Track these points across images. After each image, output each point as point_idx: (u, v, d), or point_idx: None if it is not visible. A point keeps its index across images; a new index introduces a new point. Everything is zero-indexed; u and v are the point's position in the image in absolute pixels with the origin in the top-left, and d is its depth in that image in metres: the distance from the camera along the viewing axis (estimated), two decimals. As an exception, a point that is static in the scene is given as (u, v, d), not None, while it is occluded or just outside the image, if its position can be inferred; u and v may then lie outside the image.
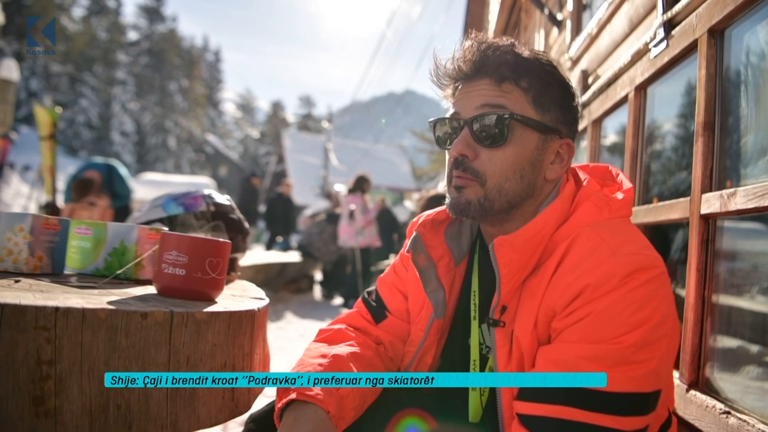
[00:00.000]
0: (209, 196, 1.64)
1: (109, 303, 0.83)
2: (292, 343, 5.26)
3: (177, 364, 0.85)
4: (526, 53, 1.05)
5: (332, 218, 8.79)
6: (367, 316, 1.26)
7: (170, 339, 0.84)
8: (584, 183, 1.06)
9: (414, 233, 1.14)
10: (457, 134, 1.05)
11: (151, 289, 1.07)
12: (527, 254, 0.96)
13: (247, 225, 1.74)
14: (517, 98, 1.02)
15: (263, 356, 1.13)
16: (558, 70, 1.08)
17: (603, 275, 0.88)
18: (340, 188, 11.00)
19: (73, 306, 0.76)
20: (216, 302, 1.03)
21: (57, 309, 0.74)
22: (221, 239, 1.06)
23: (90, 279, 1.14)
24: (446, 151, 1.10)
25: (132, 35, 49.81)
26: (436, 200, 3.74)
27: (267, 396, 3.16)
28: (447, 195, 1.08)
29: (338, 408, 0.96)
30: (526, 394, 0.91)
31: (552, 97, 1.05)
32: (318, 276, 9.63)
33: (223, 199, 1.68)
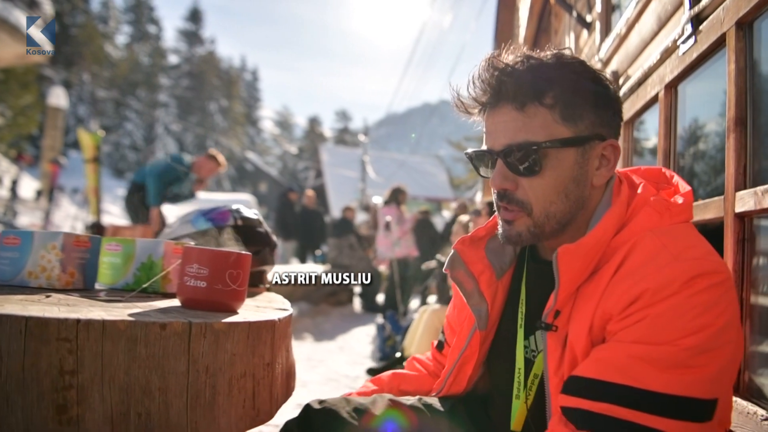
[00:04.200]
0: (237, 211, 1.67)
1: (130, 315, 0.86)
2: (332, 356, 5.29)
3: (196, 373, 0.86)
4: (546, 58, 1.01)
5: (346, 228, 8.86)
6: (434, 346, 1.43)
7: (189, 349, 0.86)
8: (640, 187, 1.04)
9: (452, 251, 1.17)
10: (493, 164, 1.04)
11: (176, 302, 1.10)
12: (588, 261, 0.96)
13: (275, 238, 1.77)
14: (543, 119, 0.99)
15: (287, 366, 1.14)
16: (585, 66, 1.03)
17: (664, 280, 0.86)
18: (378, 200, 11.04)
19: (93, 318, 0.79)
20: (237, 313, 1.05)
21: (78, 321, 0.77)
22: (242, 252, 1.08)
23: (119, 293, 1.18)
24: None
25: (173, 59, 51.41)
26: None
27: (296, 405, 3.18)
28: (499, 224, 1.09)
29: None
30: (572, 389, 0.90)
31: (583, 101, 1.00)
32: (357, 288, 9.67)
33: (251, 213, 1.71)
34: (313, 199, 11.30)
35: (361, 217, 11.89)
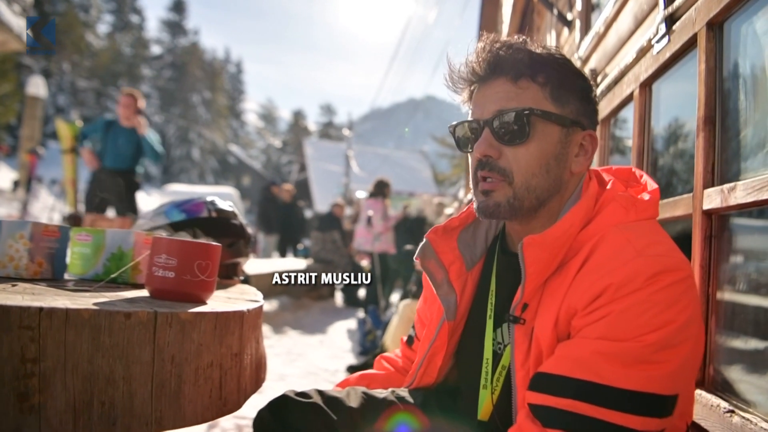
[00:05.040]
0: (211, 203, 1.67)
1: (95, 304, 0.86)
2: (312, 350, 5.29)
3: (161, 362, 0.87)
4: (539, 50, 1.06)
5: (331, 224, 8.86)
6: (404, 342, 1.43)
7: (154, 338, 0.86)
8: (609, 184, 1.06)
9: (424, 240, 1.17)
10: (478, 136, 1.05)
11: (144, 293, 1.10)
12: (554, 253, 0.97)
13: (249, 230, 1.77)
14: (534, 94, 1.03)
15: (256, 357, 1.14)
16: (572, 63, 1.09)
17: (627, 275, 0.88)
18: (362, 195, 11.02)
19: (57, 306, 0.79)
20: (206, 304, 1.05)
21: (41, 309, 0.77)
22: (211, 242, 1.08)
23: (88, 284, 1.17)
24: (468, 155, 1.12)
25: (155, 49, 50.81)
26: None
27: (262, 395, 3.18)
28: (474, 199, 1.09)
29: None
30: (538, 385, 0.92)
31: (569, 89, 1.05)
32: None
33: (226, 205, 1.71)
34: (291, 192, 11.26)
35: (347, 212, 11.89)
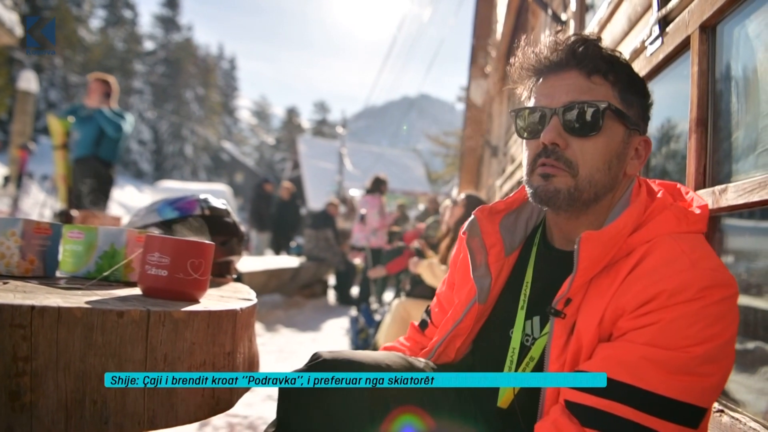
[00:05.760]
0: (204, 200, 1.66)
1: (87, 302, 0.86)
2: (305, 348, 5.29)
3: (154, 361, 0.86)
4: (609, 50, 1.08)
5: (325, 222, 8.85)
6: (416, 327, 1.42)
7: (147, 337, 0.86)
8: (659, 193, 1.08)
9: (472, 216, 1.18)
10: (544, 124, 1.06)
11: (137, 291, 1.09)
12: (606, 251, 0.98)
13: (244, 229, 1.77)
14: (606, 91, 1.06)
15: (249, 356, 1.14)
16: (634, 70, 1.11)
17: (680, 284, 0.89)
18: (355, 193, 11.00)
19: (49, 305, 0.78)
20: (199, 302, 1.05)
21: (33, 307, 0.77)
22: (205, 241, 1.08)
23: (80, 281, 1.17)
24: (524, 142, 1.13)
25: (148, 45, 50.43)
26: (477, 201, 3.80)
27: (266, 396, 3.19)
28: (528, 183, 1.10)
29: None
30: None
31: (634, 93, 1.08)
32: (332, 280, 9.67)
33: (219, 203, 1.70)
34: (290, 190, 11.24)
35: (341, 210, 11.90)
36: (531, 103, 1.11)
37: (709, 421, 1.32)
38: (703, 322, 0.87)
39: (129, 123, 5.64)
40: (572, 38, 1.07)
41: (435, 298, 1.42)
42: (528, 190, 1.10)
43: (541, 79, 1.10)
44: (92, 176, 5.30)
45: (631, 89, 1.08)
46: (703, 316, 0.88)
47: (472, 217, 1.18)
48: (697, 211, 1.04)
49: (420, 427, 1.10)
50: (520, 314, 1.13)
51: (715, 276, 0.91)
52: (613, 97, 1.05)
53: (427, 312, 1.42)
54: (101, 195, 5.43)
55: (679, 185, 1.16)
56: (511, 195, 1.23)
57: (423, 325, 1.41)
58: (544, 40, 1.10)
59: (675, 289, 0.89)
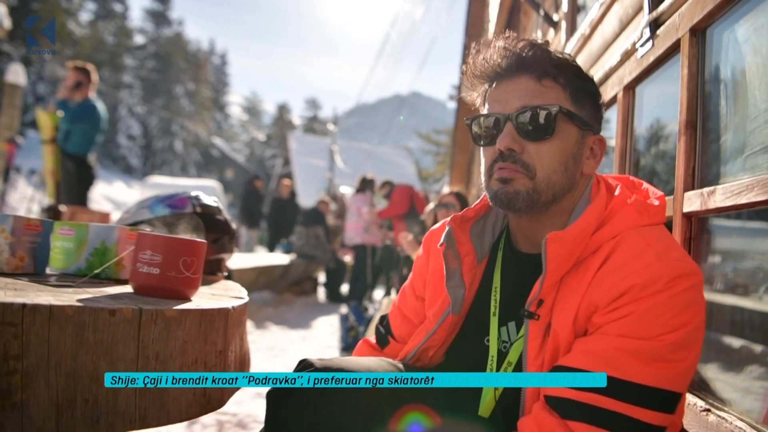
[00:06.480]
0: (196, 198, 1.66)
1: (79, 300, 0.85)
2: (294, 345, 5.28)
3: (146, 360, 0.86)
4: (557, 53, 1.09)
5: (315, 219, 8.85)
6: (373, 343, 1.37)
7: (139, 335, 0.86)
8: (617, 189, 1.10)
9: (447, 227, 1.16)
10: (498, 130, 1.07)
11: (128, 289, 1.09)
12: (572, 250, 1.00)
13: (234, 226, 1.76)
14: (557, 94, 1.06)
15: (240, 354, 1.14)
16: (584, 71, 1.12)
17: (650, 277, 0.92)
18: (346, 191, 10.98)
19: (40, 303, 0.78)
20: (191, 300, 1.04)
21: (24, 305, 0.76)
22: (197, 239, 1.08)
23: (71, 279, 1.16)
24: (481, 149, 1.13)
25: (138, 39, 50.03)
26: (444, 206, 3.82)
27: (256, 394, 3.19)
28: (487, 188, 1.10)
29: None
30: None
31: (585, 93, 1.10)
32: (322, 278, 9.66)
33: (210, 200, 1.70)
34: (289, 188, 11.21)
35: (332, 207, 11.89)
36: (485, 110, 1.11)
37: (696, 420, 1.34)
38: (673, 311, 0.91)
39: (101, 111, 5.49)
40: (521, 43, 1.07)
41: (394, 309, 1.37)
42: (488, 195, 1.11)
43: (494, 85, 1.11)
44: (69, 173, 5.24)
45: (582, 90, 1.09)
46: (673, 305, 0.91)
47: (448, 227, 1.16)
48: (656, 203, 1.06)
49: (427, 424, 1.10)
50: (494, 321, 1.14)
51: (681, 266, 0.94)
52: (564, 100, 1.06)
53: (385, 326, 1.37)
54: (74, 190, 5.36)
55: (632, 177, 1.18)
56: (478, 201, 1.22)
57: (382, 341, 1.35)
58: (493, 46, 1.10)
59: (645, 282, 0.92)
